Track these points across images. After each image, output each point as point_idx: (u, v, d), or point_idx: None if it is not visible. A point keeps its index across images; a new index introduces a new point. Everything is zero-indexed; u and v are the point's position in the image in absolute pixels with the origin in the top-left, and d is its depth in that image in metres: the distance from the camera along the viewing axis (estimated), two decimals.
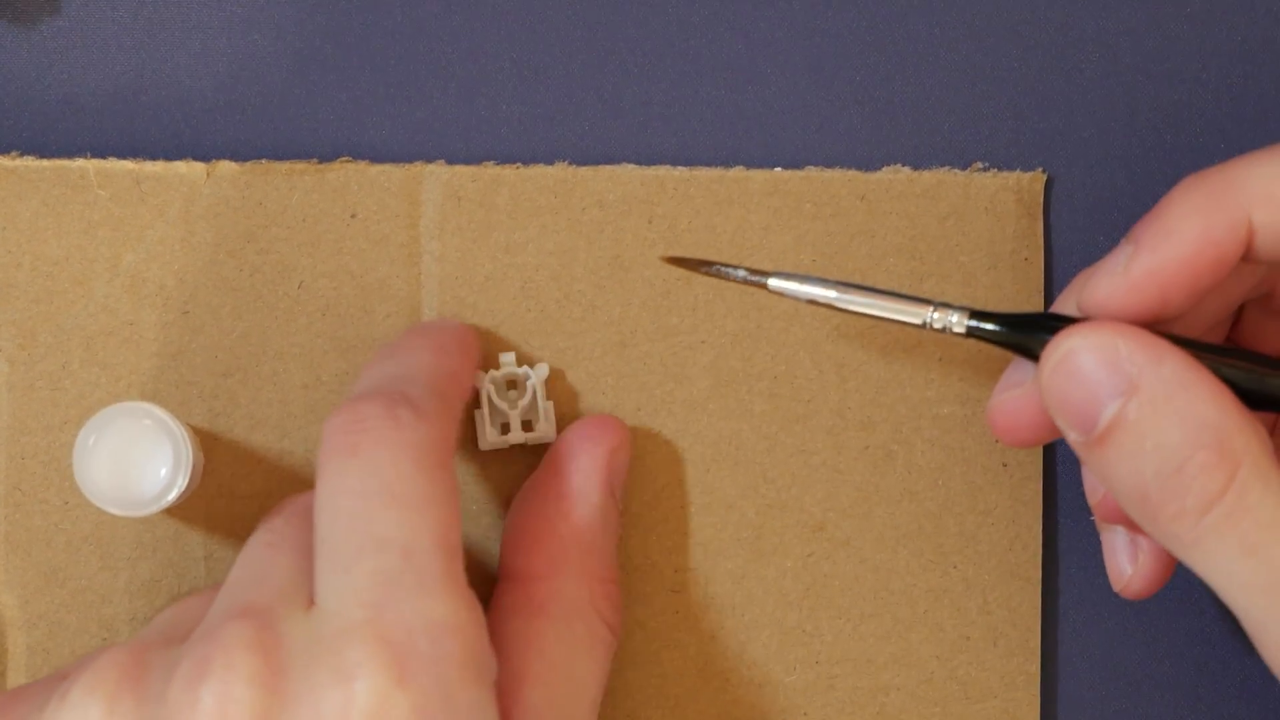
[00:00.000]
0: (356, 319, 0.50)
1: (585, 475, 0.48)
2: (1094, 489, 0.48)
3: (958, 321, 0.44)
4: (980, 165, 0.51)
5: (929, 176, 0.51)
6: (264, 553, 0.42)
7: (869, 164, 0.51)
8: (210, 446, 0.49)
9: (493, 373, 0.49)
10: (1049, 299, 0.51)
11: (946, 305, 0.44)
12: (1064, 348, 0.42)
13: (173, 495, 0.45)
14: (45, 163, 0.49)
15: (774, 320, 0.50)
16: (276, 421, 0.50)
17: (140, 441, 0.45)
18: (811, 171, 0.51)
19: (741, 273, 0.46)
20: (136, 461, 0.46)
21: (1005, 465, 0.51)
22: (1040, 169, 0.51)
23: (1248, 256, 0.42)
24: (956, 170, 0.51)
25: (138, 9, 0.51)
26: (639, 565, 0.50)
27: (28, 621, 0.49)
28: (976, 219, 0.51)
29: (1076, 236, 0.52)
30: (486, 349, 0.50)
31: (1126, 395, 0.41)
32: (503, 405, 0.49)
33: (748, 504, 0.50)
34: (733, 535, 0.50)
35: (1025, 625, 0.51)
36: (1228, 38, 0.52)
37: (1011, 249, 0.51)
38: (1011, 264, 0.51)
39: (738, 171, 0.51)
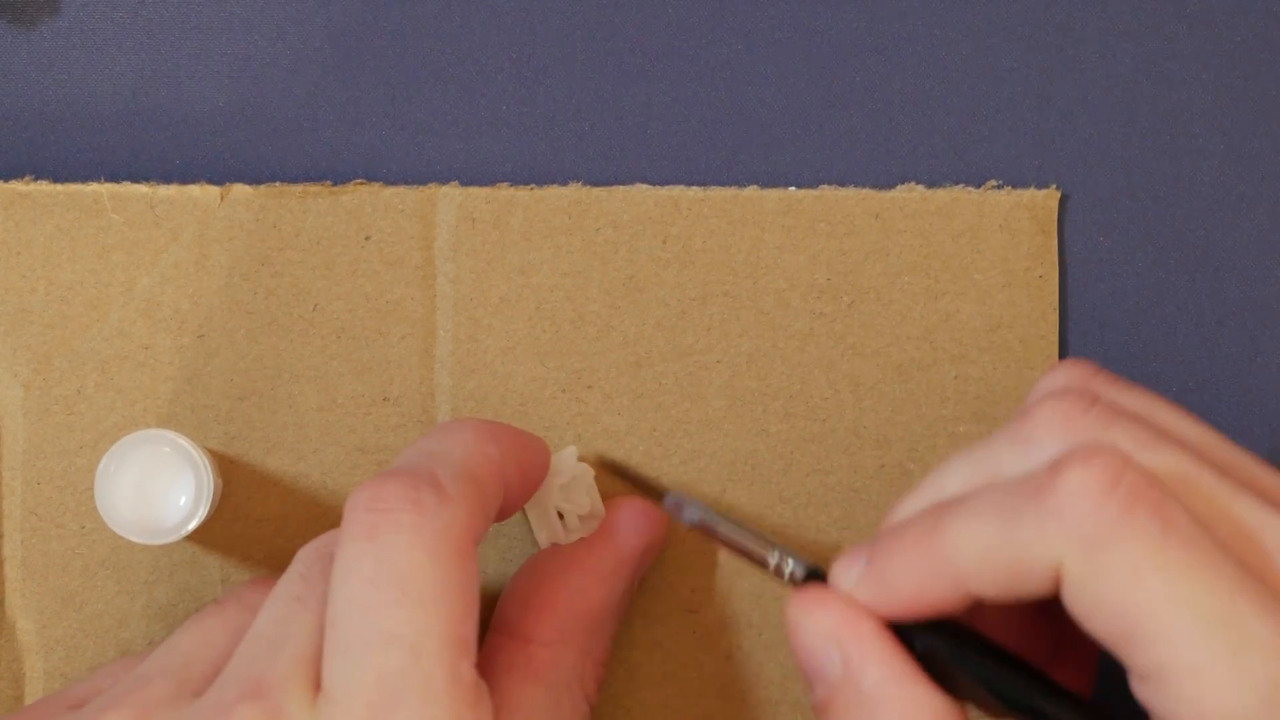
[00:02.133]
0: (371, 341, 0.50)
1: (618, 560, 0.48)
2: None
3: (797, 570, 0.44)
4: (994, 183, 0.51)
5: (943, 194, 0.51)
6: (289, 608, 0.42)
7: (883, 182, 0.51)
8: (226, 470, 0.49)
9: (559, 479, 0.48)
10: (1064, 316, 0.51)
11: (793, 556, 0.44)
12: (792, 616, 0.42)
13: (194, 523, 0.45)
14: (59, 187, 0.49)
15: (789, 340, 0.50)
16: (292, 444, 0.50)
17: (162, 470, 0.45)
18: (825, 190, 0.51)
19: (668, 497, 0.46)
20: (158, 490, 0.46)
21: None
22: (1054, 186, 0.51)
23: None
24: (971, 188, 0.51)
25: (138, 9, 0.51)
26: (655, 585, 0.50)
27: (45, 646, 0.49)
28: (991, 236, 0.51)
29: (1091, 253, 0.52)
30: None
31: (830, 687, 0.41)
32: (570, 508, 0.48)
33: (764, 524, 0.50)
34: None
35: None
36: (1241, 47, 0.52)
37: (1026, 266, 0.51)
38: (1026, 281, 0.51)
39: (752, 191, 0.51)
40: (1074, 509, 0.38)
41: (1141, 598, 0.37)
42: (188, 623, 0.45)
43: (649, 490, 0.48)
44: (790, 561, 0.44)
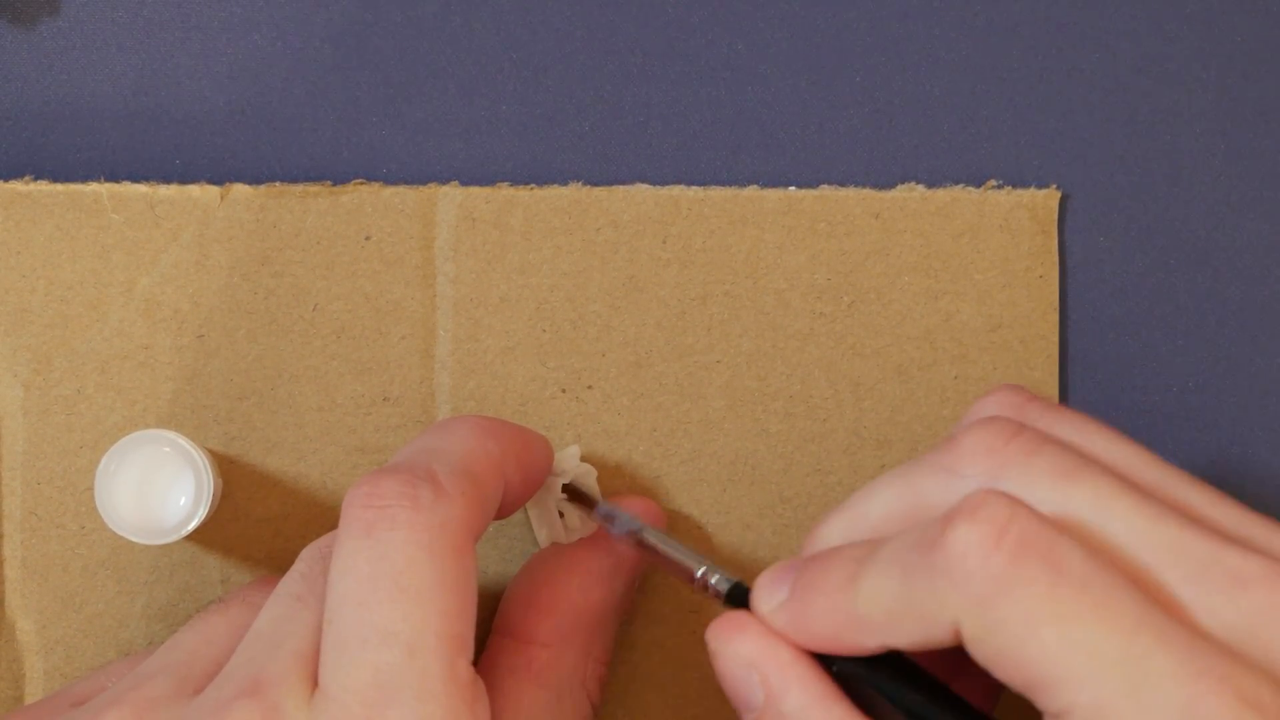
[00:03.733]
0: (371, 341, 0.50)
1: (618, 561, 0.48)
2: None
3: (720, 584, 0.44)
4: (994, 183, 0.51)
5: (943, 194, 0.51)
6: (289, 607, 0.42)
7: (883, 182, 0.51)
8: (226, 470, 0.49)
9: (562, 479, 0.48)
10: (1064, 316, 0.51)
11: (718, 572, 0.44)
12: (712, 644, 0.42)
13: (194, 523, 0.45)
14: (59, 187, 0.49)
15: (789, 340, 0.50)
16: (292, 444, 0.50)
17: (162, 470, 0.45)
18: (825, 190, 0.51)
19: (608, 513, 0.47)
20: (158, 490, 0.46)
21: None
22: (1054, 186, 0.51)
23: None
24: (971, 188, 0.51)
25: (138, 9, 0.51)
26: (657, 586, 0.50)
27: (45, 646, 0.49)
28: (991, 236, 0.51)
29: (1091, 253, 0.52)
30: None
31: (755, 714, 0.41)
32: (572, 508, 0.48)
33: (765, 524, 0.50)
34: (749, 555, 0.50)
35: None
36: (1241, 47, 0.52)
37: (1026, 266, 0.51)
38: (1026, 281, 0.51)
39: (752, 190, 0.51)
40: (962, 567, 0.38)
41: (1037, 648, 0.37)
42: (191, 621, 0.45)
43: (585, 501, 0.48)
44: (716, 576, 0.44)
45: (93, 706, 0.43)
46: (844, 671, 0.41)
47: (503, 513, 0.45)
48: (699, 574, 0.44)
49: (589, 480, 0.49)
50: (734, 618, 0.42)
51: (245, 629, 0.44)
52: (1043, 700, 0.38)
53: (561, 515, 0.48)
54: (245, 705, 0.40)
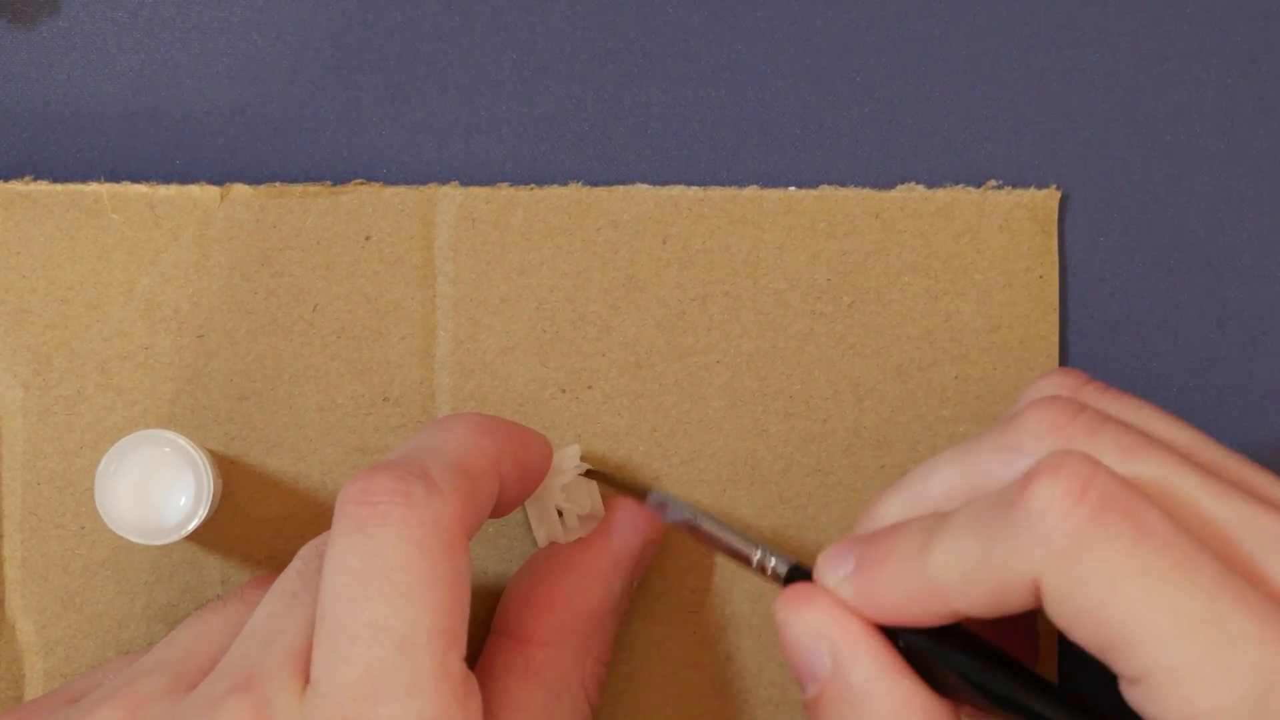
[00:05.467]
0: (371, 341, 0.50)
1: (616, 559, 0.48)
2: None
3: (780, 567, 0.44)
4: (994, 183, 0.51)
5: (943, 194, 0.51)
6: (284, 604, 0.42)
7: (883, 182, 0.51)
8: (226, 470, 0.49)
9: (561, 479, 0.48)
10: (1064, 316, 0.51)
11: (776, 554, 0.44)
12: (780, 614, 0.42)
13: (194, 524, 0.45)
14: (59, 187, 0.49)
15: (789, 340, 0.50)
16: (292, 445, 0.50)
17: (162, 470, 0.45)
18: (826, 190, 0.51)
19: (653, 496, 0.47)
20: (158, 490, 0.46)
21: None
22: (1054, 186, 0.51)
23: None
24: (971, 188, 0.51)
25: (138, 9, 0.51)
26: (656, 586, 0.50)
27: (45, 646, 0.49)
28: (991, 236, 0.51)
29: (1091, 253, 0.52)
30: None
31: (820, 684, 0.41)
32: (570, 507, 0.48)
33: (764, 524, 0.50)
34: None
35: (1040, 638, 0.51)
36: (1241, 47, 0.52)
37: (1026, 266, 0.51)
38: (1026, 281, 0.51)
39: (752, 190, 0.51)
40: (1044, 522, 0.38)
41: (1120, 605, 0.37)
42: (188, 619, 0.46)
43: (632, 491, 0.48)
44: (774, 559, 0.44)
45: (87, 703, 0.43)
46: (911, 645, 0.41)
47: (500, 511, 0.45)
48: (756, 558, 0.44)
49: (589, 481, 0.49)
50: (803, 588, 0.42)
51: (242, 627, 0.44)
52: (1121, 662, 0.38)
53: (560, 515, 0.48)
54: (237, 700, 0.40)
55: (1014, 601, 0.39)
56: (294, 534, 0.49)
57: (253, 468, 0.49)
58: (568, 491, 0.48)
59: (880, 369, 0.51)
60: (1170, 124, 0.52)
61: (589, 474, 0.49)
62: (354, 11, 0.51)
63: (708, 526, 0.45)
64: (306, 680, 0.40)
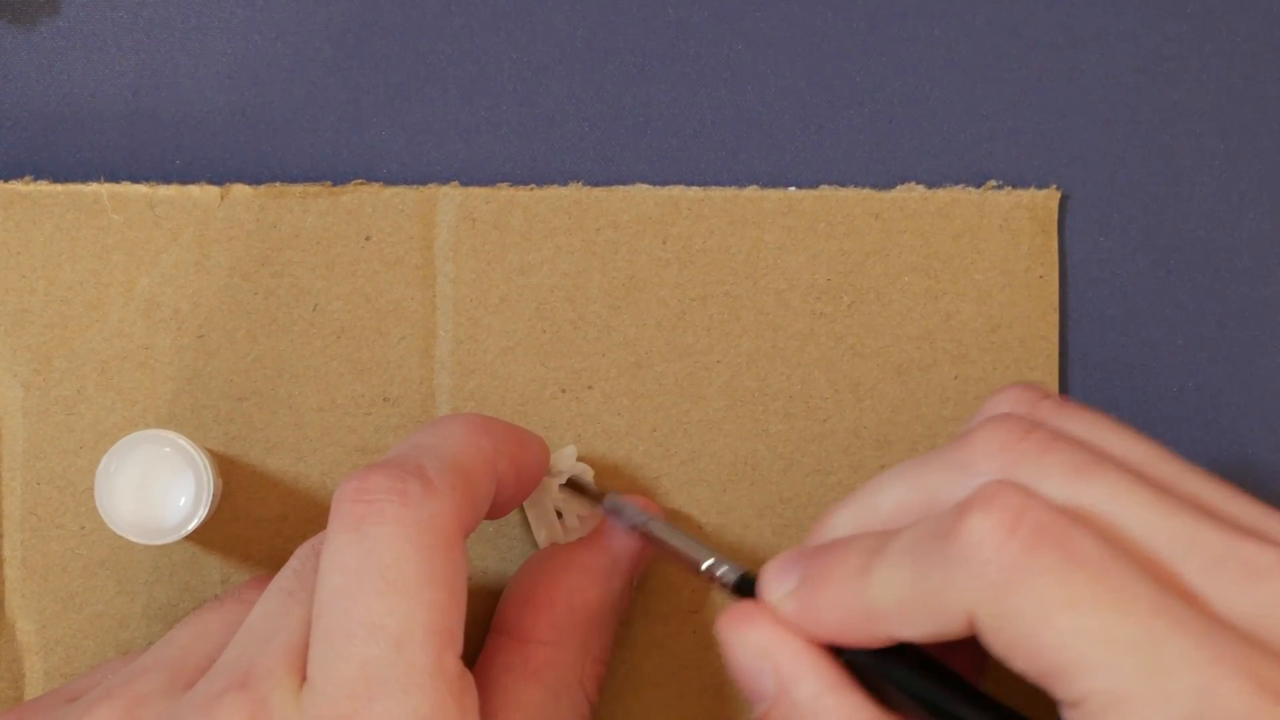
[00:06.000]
0: (372, 341, 0.50)
1: (615, 558, 0.48)
2: None
3: (727, 575, 0.44)
4: (994, 183, 0.51)
5: (943, 195, 0.51)
6: (280, 602, 0.42)
7: (883, 182, 0.51)
8: (226, 470, 0.49)
9: (559, 479, 0.48)
10: (1064, 316, 0.51)
11: (727, 563, 0.44)
12: (723, 635, 0.42)
13: (194, 524, 0.45)
14: (59, 187, 0.49)
15: (789, 340, 0.50)
16: (292, 445, 0.50)
17: (162, 470, 0.45)
18: (825, 190, 0.51)
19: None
20: (158, 490, 0.46)
21: None
22: (1054, 186, 0.51)
23: None
24: (971, 188, 0.51)
25: (138, 9, 0.51)
26: (656, 586, 0.50)
27: (45, 646, 0.49)
28: (991, 237, 0.51)
29: (1091, 253, 0.52)
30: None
31: (767, 703, 0.41)
32: (569, 507, 0.48)
33: (764, 524, 0.50)
34: (749, 555, 0.50)
35: None
36: (1241, 47, 0.52)
37: (1026, 266, 0.51)
38: (1026, 281, 0.51)
39: (752, 191, 0.51)
40: (977, 556, 0.38)
41: (1053, 635, 0.37)
42: (186, 618, 0.46)
43: (592, 496, 0.48)
44: (723, 568, 0.44)
45: (84, 702, 0.43)
46: (854, 660, 0.41)
47: (498, 512, 0.45)
48: (705, 565, 0.44)
49: (586, 479, 0.49)
50: (745, 607, 0.42)
51: (239, 625, 0.44)
52: (1059, 689, 0.38)
53: (559, 515, 0.48)
54: (234, 699, 0.40)
55: (951, 629, 0.39)
56: (294, 534, 0.49)
57: (253, 468, 0.49)
58: (566, 492, 0.48)
59: (880, 369, 0.51)
60: (1170, 124, 0.52)
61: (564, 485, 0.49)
62: (354, 11, 0.51)
63: (659, 532, 0.46)
64: (303, 678, 0.40)
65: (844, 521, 0.43)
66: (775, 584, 0.42)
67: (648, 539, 0.46)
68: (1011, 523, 0.38)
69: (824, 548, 0.42)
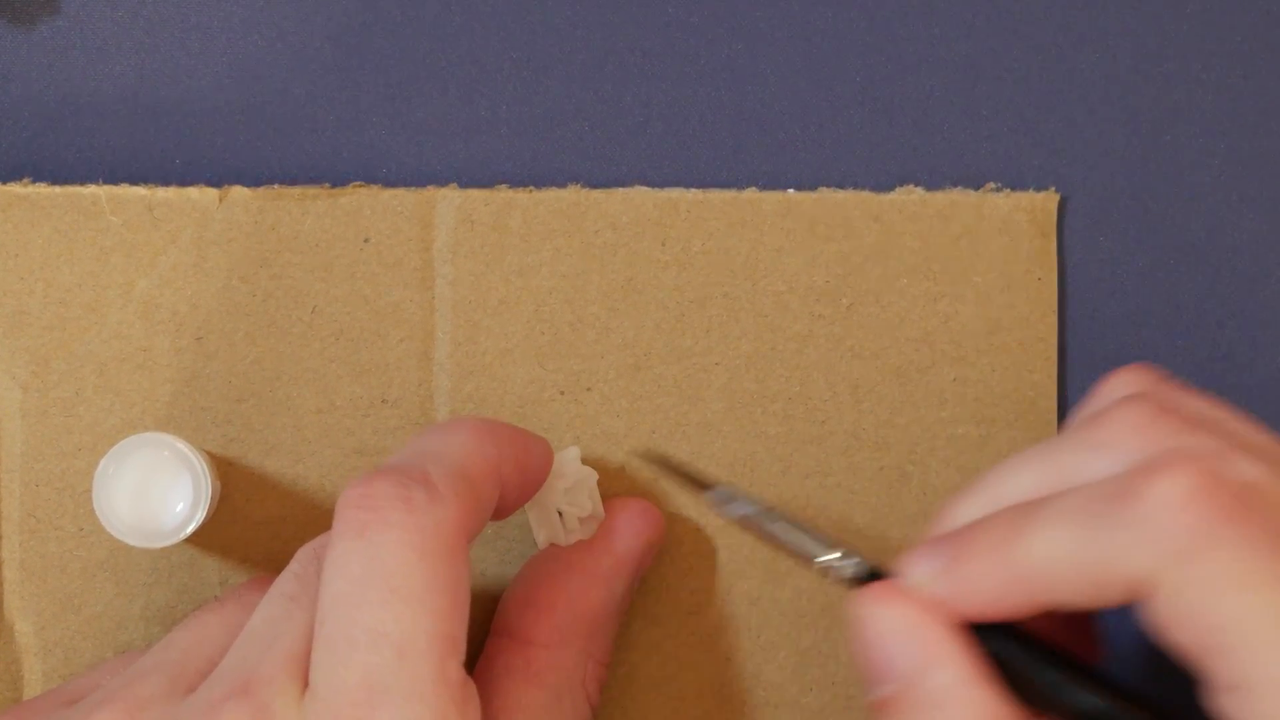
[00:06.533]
0: (370, 343, 0.50)
1: (617, 561, 0.48)
2: None
3: (846, 569, 0.44)
4: (993, 185, 0.51)
5: (942, 197, 0.51)
6: (282, 607, 0.42)
7: (882, 185, 0.51)
8: (224, 472, 0.49)
9: (562, 481, 0.48)
10: (1063, 319, 0.51)
11: (849, 556, 0.44)
12: (863, 610, 0.42)
13: (191, 527, 0.45)
14: (57, 189, 0.49)
15: (788, 342, 0.50)
16: (290, 447, 0.50)
17: (160, 474, 0.45)
18: (824, 193, 0.51)
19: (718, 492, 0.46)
20: (156, 494, 0.46)
21: None
22: (1053, 188, 0.51)
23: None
24: (970, 190, 0.51)
25: (138, 9, 0.51)
26: (655, 587, 0.50)
27: (43, 648, 0.49)
28: (990, 239, 0.51)
29: (1090, 256, 0.52)
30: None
31: (898, 685, 0.41)
32: (571, 510, 0.48)
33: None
34: (748, 557, 0.50)
35: None
36: (1241, 49, 0.52)
37: (1025, 269, 0.51)
38: (1025, 284, 0.51)
39: (750, 193, 0.51)
40: (1165, 518, 0.37)
41: (1231, 609, 0.37)
42: (185, 620, 0.46)
43: (694, 483, 0.47)
44: (844, 563, 0.43)
45: (85, 705, 0.43)
46: (997, 654, 0.41)
47: (501, 514, 0.45)
48: (824, 562, 0.43)
49: (589, 482, 0.49)
50: (888, 585, 0.42)
51: (239, 628, 0.44)
52: (1220, 666, 0.37)
53: (561, 517, 0.48)
54: (236, 705, 0.40)
55: (1110, 595, 0.38)
56: (292, 536, 0.49)
57: (251, 469, 0.49)
58: (569, 494, 0.48)
59: (879, 371, 0.51)
60: (1169, 127, 0.52)
61: (653, 461, 0.48)
62: (354, 13, 0.51)
63: (772, 528, 0.45)
64: (305, 685, 0.40)
65: (971, 509, 0.42)
66: (918, 566, 0.41)
67: (760, 534, 0.45)
68: (1204, 489, 0.37)
69: (965, 527, 0.41)
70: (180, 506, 0.46)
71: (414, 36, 0.51)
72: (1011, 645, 0.41)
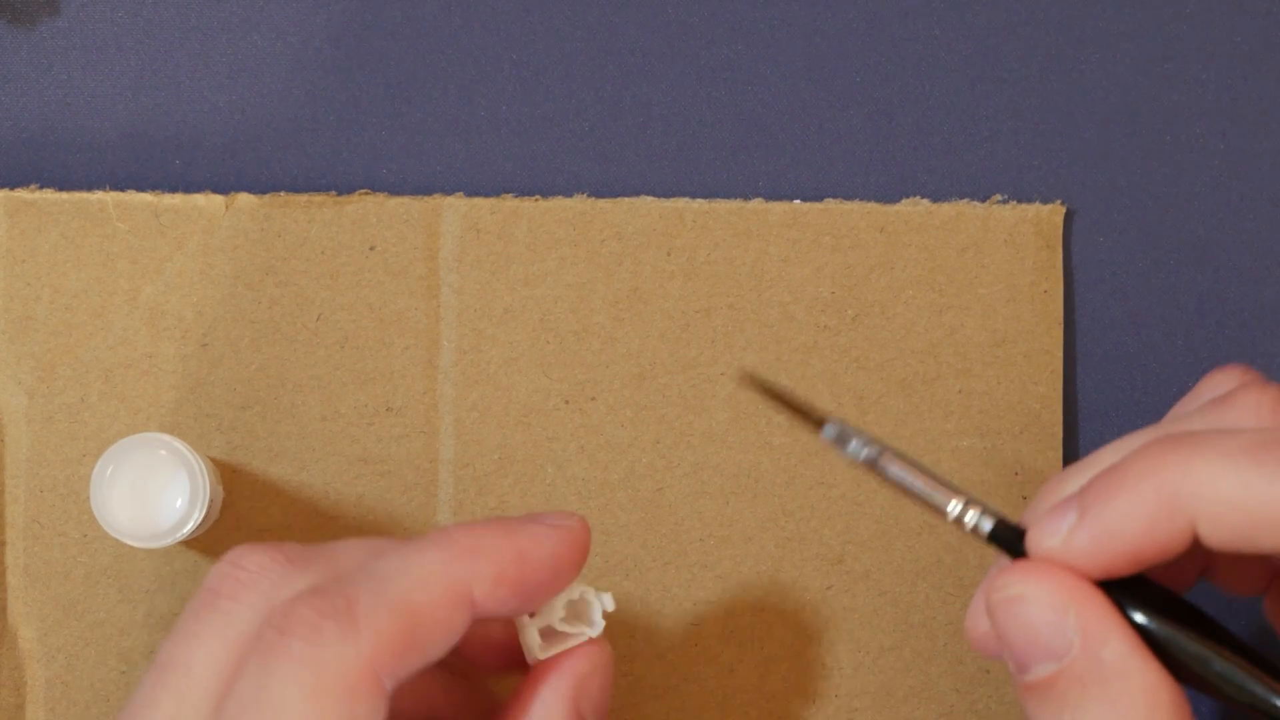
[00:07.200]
0: (375, 351, 0.50)
1: (546, 708, 0.42)
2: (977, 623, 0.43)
3: (978, 521, 0.41)
4: (999, 197, 0.51)
5: (948, 209, 0.51)
6: (186, 644, 0.41)
7: (888, 196, 0.51)
8: (229, 479, 0.49)
9: (565, 599, 0.43)
10: (1068, 331, 0.51)
11: (979, 505, 0.41)
12: (1015, 589, 0.39)
13: (190, 527, 0.45)
14: (64, 195, 0.49)
15: (793, 353, 0.50)
16: (295, 454, 0.50)
17: (157, 473, 0.46)
18: (830, 203, 0.51)
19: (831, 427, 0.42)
20: (153, 493, 0.46)
21: (1025, 498, 0.50)
22: (1059, 201, 0.51)
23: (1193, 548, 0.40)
24: (975, 202, 0.51)
25: (138, 9, 0.51)
26: (658, 598, 0.50)
27: (47, 654, 0.49)
28: (996, 251, 0.51)
29: (1096, 268, 0.52)
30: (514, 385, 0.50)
31: (1060, 662, 0.39)
32: (565, 629, 0.43)
33: (767, 536, 0.50)
34: (752, 568, 0.50)
35: None
36: (1248, 64, 0.52)
37: (1031, 281, 0.51)
38: (1031, 296, 0.51)
39: (756, 203, 0.51)
40: None
41: None
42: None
43: (804, 417, 0.42)
44: (972, 512, 0.41)
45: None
46: (1149, 629, 0.39)
47: (522, 609, 0.42)
48: (952, 511, 0.41)
49: (605, 604, 0.43)
50: (1028, 563, 0.39)
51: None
52: None
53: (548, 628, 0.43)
54: None
55: (1262, 542, 0.37)
56: (296, 542, 0.49)
57: (255, 476, 0.49)
58: (572, 608, 0.43)
59: (884, 382, 0.50)
60: (1175, 140, 0.52)
61: (765, 393, 0.42)
62: (361, 22, 0.51)
63: (894, 473, 0.41)
64: None
65: (1079, 482, 0.40)
66: (1051, 524, 0.39)
67: (880, 477, 0.41)
68: None
69: (1095, 477, 0.39)
70: (178, 504, 0.46)
71: (421, 45, 0.51)
72: (1167, 622, 0.39)
